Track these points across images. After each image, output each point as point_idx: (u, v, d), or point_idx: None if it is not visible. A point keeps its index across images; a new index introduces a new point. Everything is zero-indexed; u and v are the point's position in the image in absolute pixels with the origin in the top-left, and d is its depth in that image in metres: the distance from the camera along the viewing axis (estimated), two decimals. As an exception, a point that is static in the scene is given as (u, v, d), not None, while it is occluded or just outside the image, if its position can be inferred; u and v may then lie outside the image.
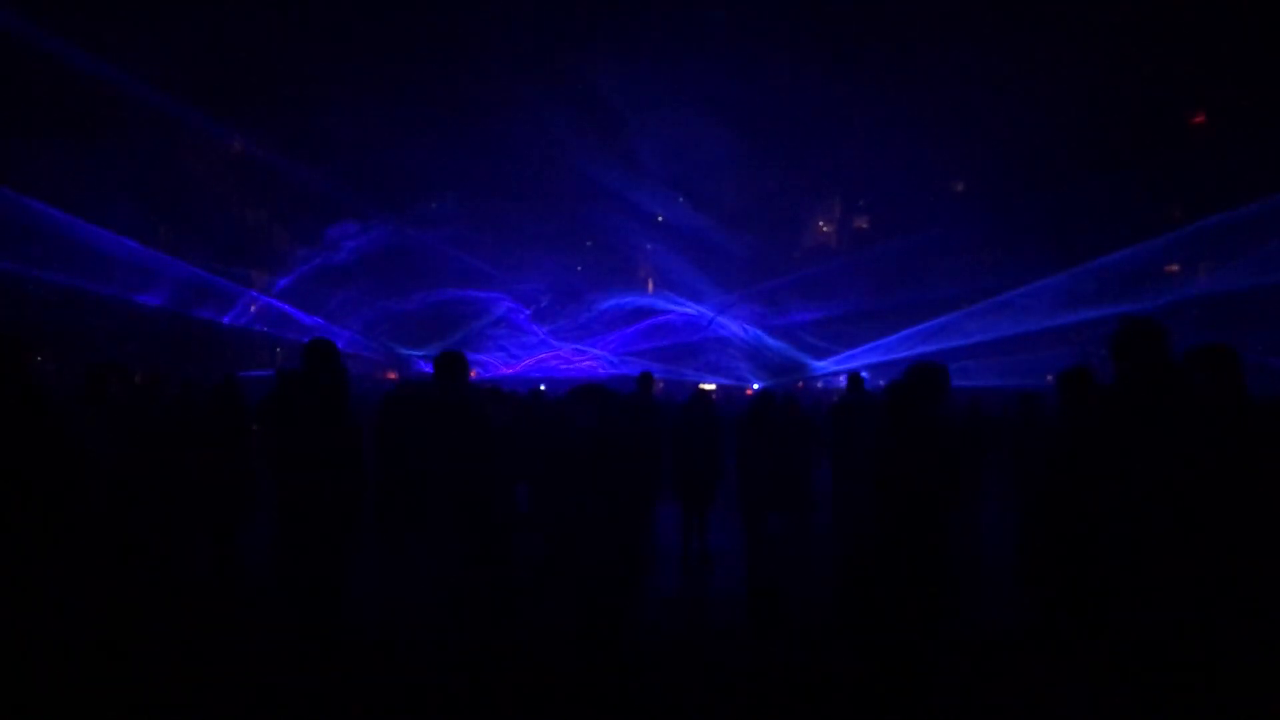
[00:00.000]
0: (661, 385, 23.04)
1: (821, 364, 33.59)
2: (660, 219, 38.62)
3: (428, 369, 30.63)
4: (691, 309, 35.36)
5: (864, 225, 40.79)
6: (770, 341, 34.36)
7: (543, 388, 11.06)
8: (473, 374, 5.06)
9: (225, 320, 27.41)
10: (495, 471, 4.90)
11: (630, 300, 36.37)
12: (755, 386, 29.02)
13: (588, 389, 4.75)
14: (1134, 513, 2.68)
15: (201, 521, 5.84)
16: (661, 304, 36.24)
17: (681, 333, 35.44)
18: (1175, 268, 29.06)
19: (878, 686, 3.96)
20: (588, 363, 34.82)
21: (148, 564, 5.83)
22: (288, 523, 4.18)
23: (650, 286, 39.00)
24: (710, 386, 27.41)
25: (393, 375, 30.60)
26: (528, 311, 35.49)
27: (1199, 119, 28.07)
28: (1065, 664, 3.53)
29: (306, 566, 4.18)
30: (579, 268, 38.42)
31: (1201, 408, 2.71)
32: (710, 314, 34.86)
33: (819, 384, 32.34)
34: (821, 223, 42.23)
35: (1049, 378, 21.13)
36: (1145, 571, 2.67)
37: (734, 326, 34.98)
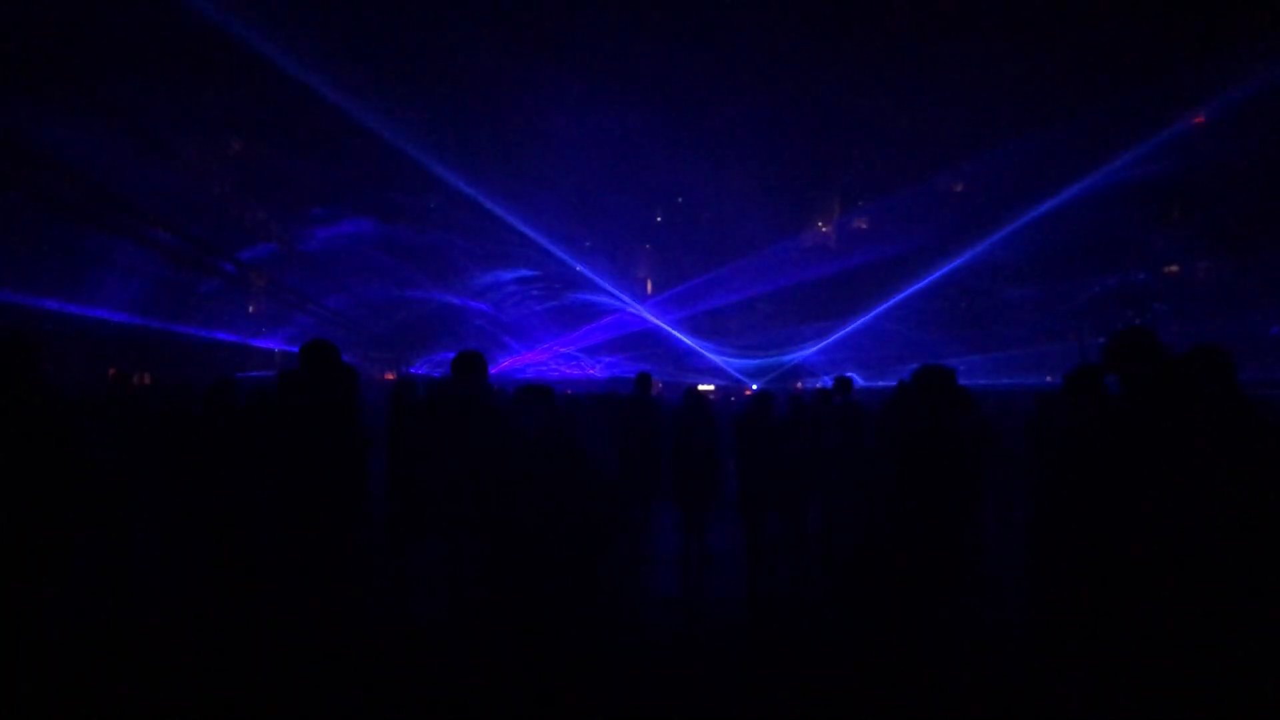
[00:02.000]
0: (660, 386, 23.02)
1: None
2: (659, 219, 38.65)
3: (419, 370, 30.61)
4: (642, 309, 35.40)
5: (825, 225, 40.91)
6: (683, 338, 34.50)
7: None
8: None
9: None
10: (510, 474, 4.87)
11: (597, 299, 36.23)
12: (754, 387, 29.05)
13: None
14: (1144, 514, 2.69)
15: (197, 521, 5.82)
16: (614, 302, 36.10)
17: (637, 329, 35.47)
18: (1175, 268, 29.11)
19: (881, 688, 3.96)
20: (575, 364, 34.74)
21: (148, 563, 5.83)
22: (287, 524, 4.16)
23: (649, 287, 38.97)
24: (709, 387, 27.43)
25: (390, 376, 30.56)
26: (489, 311, 35.42)
27: (1199, 119, 28.03)
28: (1069, 662, 3.53)
29: (306, 568, 4.16)
30: (578, 267, 38.41)
31: (1208, 409, 2.72)
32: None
33: (818, 383, 32.45)
34: (823, 223, 42.29)
35: (1048, 378, 21.20)
36: (1152, 572, 2.68)
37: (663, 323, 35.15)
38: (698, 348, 34.51)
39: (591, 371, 33.91)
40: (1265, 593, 2.50)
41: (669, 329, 34.77)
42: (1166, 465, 2.66)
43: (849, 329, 31.50)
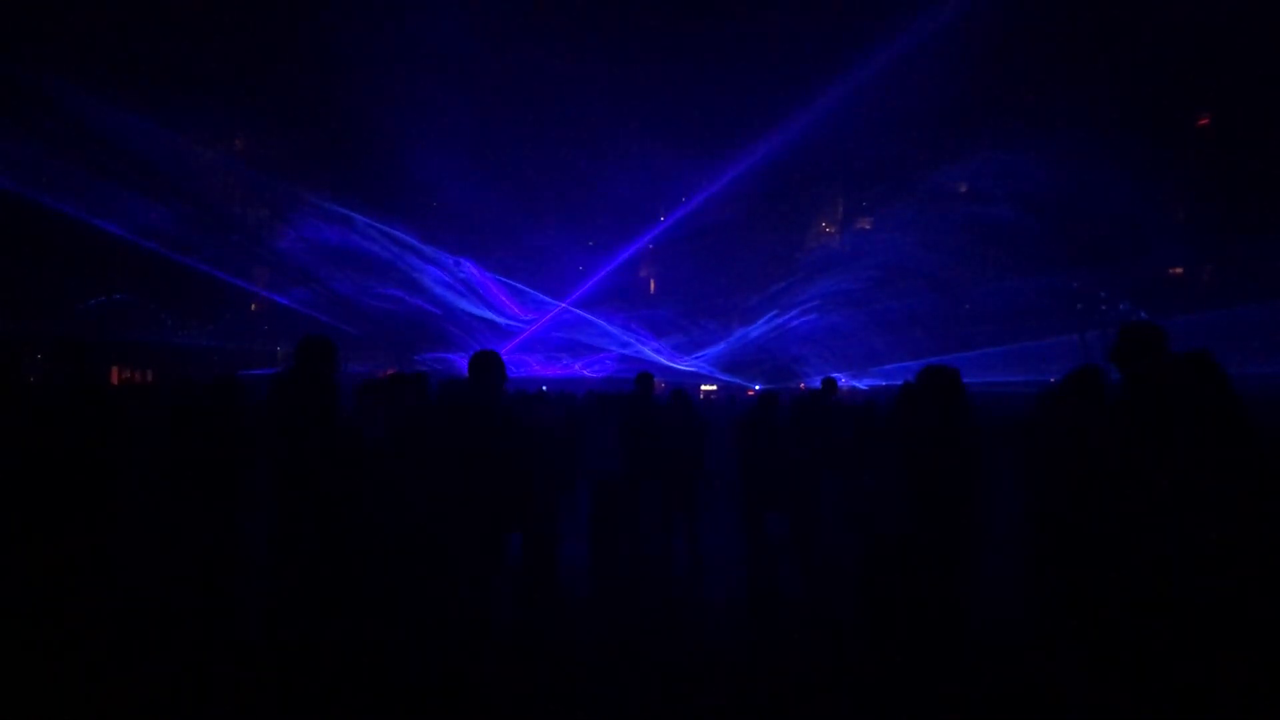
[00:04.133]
0: (663, 385, 23.00)
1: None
2: (663, 218, 38.66)
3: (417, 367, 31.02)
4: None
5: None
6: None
7: (544, 389, 11.05)
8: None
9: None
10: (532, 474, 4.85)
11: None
12: (756, 388, 29.02)
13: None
14: (1144, 515, 2.67)
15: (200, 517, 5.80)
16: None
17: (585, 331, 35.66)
18: (1179, 269, 29.02)
19: (883, 689, 3.93)
20: (564, 365, 34.98)
21: (153, 559, 5.82)
22: (286, 521, 4.15)
23: (652, 287, 38.98)
24: (711, 387, 27.41)
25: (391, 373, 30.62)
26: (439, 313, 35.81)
27: (1204, 121, 27.89)
28: (1067, 661, 3.50)
29: (305, 567, 4.16)
30: (581, 267, 38.45)
31: (1204, 411, 2.70)
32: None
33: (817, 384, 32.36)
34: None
35: (1051, 379, 21.13)
36: (1150, 571, 2.66)
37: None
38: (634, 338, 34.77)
39: (578, 368, 34.02)
40: (1261, 593, 2.48)
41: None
42: (1159, 465, 2.65)
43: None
